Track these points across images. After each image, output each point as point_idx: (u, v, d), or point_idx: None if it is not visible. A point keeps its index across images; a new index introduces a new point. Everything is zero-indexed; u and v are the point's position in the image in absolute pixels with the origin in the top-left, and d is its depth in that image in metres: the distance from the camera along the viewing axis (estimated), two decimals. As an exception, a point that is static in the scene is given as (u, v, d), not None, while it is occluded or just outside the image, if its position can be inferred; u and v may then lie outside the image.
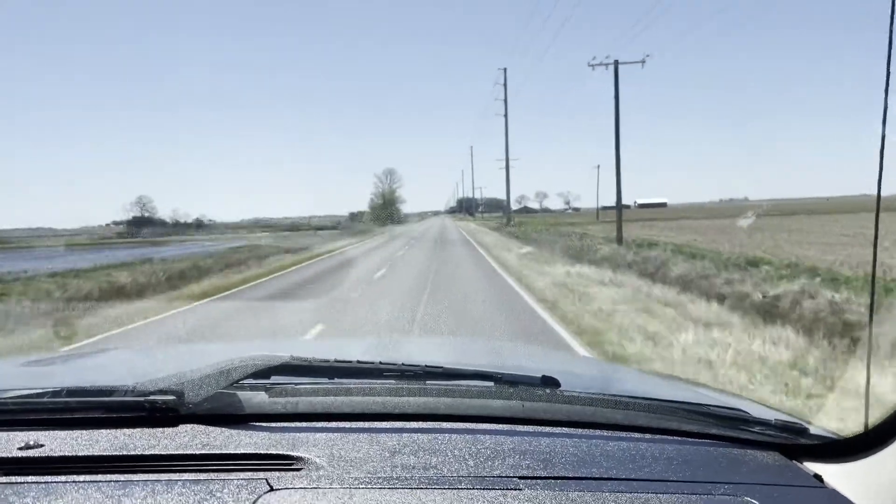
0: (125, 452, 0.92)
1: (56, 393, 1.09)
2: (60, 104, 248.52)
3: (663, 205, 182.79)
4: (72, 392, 1.09)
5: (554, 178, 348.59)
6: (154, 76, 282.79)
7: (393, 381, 1.17)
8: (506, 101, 54.47)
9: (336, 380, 1.17)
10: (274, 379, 1.14)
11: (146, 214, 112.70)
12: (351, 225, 79.80)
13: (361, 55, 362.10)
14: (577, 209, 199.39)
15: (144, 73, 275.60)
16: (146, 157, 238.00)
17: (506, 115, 54.81)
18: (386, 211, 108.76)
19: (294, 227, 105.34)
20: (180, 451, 0.93)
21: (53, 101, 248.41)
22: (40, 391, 1.11)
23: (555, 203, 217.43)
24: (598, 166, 77.28)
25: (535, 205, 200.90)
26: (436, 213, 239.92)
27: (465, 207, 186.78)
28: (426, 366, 1.23)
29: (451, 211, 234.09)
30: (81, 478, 0.86)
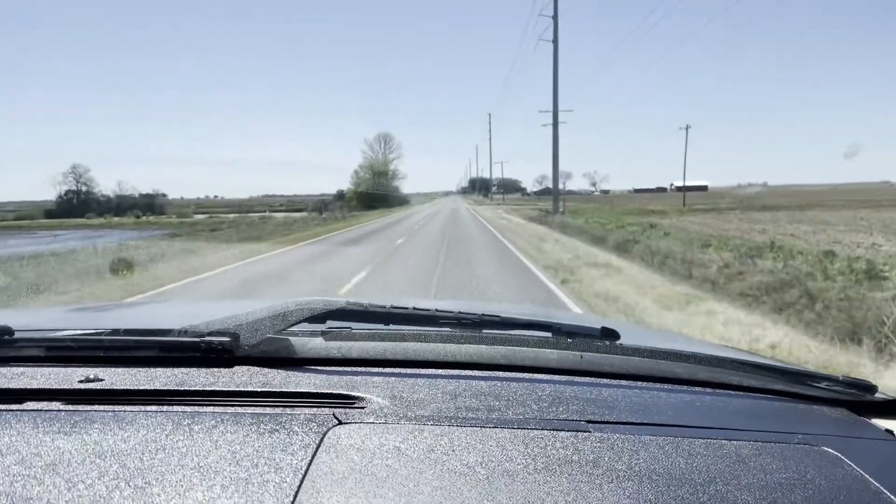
0: (185, 388, 0.93)
1: (114, 332, 1.13)
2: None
3: (704, 188, 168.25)
4: (129, 331, 1.14)
5: (577, 157, 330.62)
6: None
7: (448, 329, 1.18)
8: (555, 17, 34.52)
9: (392, 326, 1.18)
10: (329, 324, 1.15)
11: (83, 188, 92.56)
12: (328, 208, 61.61)
13: (362, 23, 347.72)
14: (605, 191, 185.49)
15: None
16: (90, 118, 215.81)
17: (555, 40, 35.13)
18: (378, 189, 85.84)
19: (245, 208, 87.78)
20: (241, 388, 0.93)
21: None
22: (97, 330, 1.15)
23: (579, 184, 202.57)
24: (688, 127, 53.96)
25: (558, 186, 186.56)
26: (447, 194, 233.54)
27: (479, 187, 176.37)
28: (483, 314, 1.23)
29: (463, 191, 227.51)
30: (148, 408, 0.88)
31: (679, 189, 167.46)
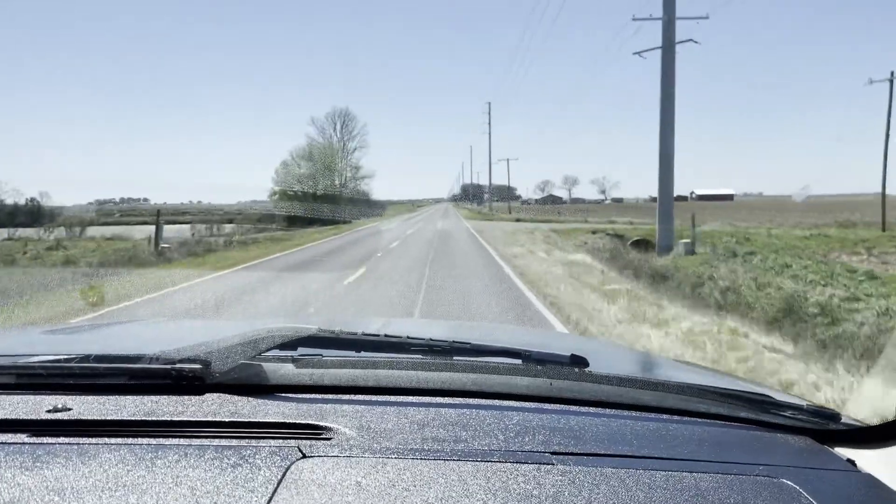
0: (153, 418, 0.94)
1: (84, 358, 1.12)
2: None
3: (729, 197, 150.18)
4: (99, 358, 1.13)
5: (585, 162, 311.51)
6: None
7: (420, 356, 1.20)
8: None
9: (363, 353, 1.19)
10: (300, 351, 1.16)
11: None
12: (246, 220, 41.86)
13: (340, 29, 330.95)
14: (618, 200, 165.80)
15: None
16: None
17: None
18: (328, 191, 55.97)
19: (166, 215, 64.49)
20: (208, 419, 0.94)
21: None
22: (67, 356, 1.14)
23: (587, 191, 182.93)
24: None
25: (562, 192, 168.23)
26: (437, 201, 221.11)
27: (473, 194, 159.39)
28: (454, 341, 1.26)
29: (455, 198, 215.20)
30: (113, 440, 0.88)
31: (701, 198, 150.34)
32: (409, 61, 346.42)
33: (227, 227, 36.01)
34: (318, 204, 48.20)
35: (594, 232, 25.89)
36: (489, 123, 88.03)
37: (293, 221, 42.04)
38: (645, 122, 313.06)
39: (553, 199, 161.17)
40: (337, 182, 61.94)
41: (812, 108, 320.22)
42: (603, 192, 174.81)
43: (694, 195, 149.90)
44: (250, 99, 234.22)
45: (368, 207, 65.59)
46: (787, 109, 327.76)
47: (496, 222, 46.17)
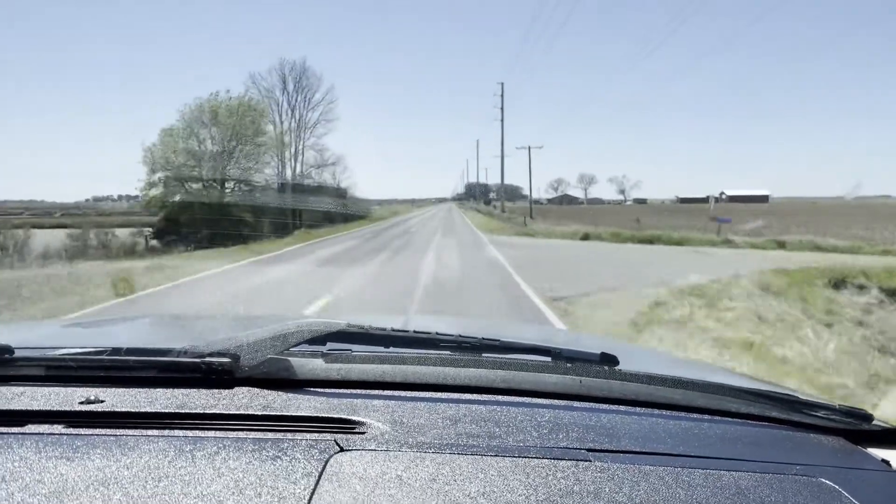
0: (185, 410, 0.97)
1: (114, 351, 1.16)
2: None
3: (763, 198, 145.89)
4: (130, 351, 1.17)
5: (602, 158, 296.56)
6: None
7: (448, 352, 1.23)
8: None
9: (392, 348, 1.23)
10: (329, 346, 1.20)
11: None
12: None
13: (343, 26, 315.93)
14: (641, 201, 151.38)
15: None
16: None
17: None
18: (267, 183, 38.28)
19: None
20: (241, 412, 0.97)
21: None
22: (97, 349, 1.18)
23: (605, 191, 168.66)
24: None
25: (577, 192, 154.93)
26: (440, 201, 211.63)
27: (478, 193, 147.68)
28: (483, 338, 1.28)
29: (458, 198, 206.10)
30: (150, 432, 0.91)
31: (732, 199, 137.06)
32: (411, 56, 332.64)
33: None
34: (249, 203, 33.12)
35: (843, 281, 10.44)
36: (502, 108, 72.05)
37: (185, 235, 28.40)
38: (669, 118, 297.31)
39: (568, 200, 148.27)
40: (288, 172, 44.11)
41: (847, 109, 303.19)
42: (622, 191, 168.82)
43: (724, 196, 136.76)
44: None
45: (344, 208, 47.79)
46: (821, 109, 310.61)
47: (545, 239, 27.16)
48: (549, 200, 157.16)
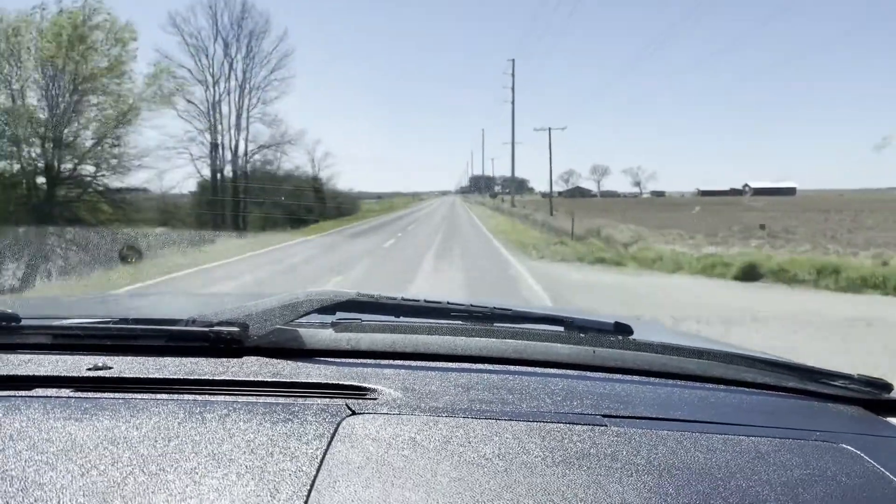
0: (195, 377, 0.99)
1: (122, 320, 1.20)
2: None
3: (790, 191, 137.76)
4: (137, 320, 1.20)
5: (615, 147, 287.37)
6: None
7: (460, 322, 1.26)
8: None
9: (402, 318, 1.26)
10: (339, 315, 1.22)
11: None
12: None
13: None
14: (659, 193, 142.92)
15: None
16: None
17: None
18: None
19: None
20: (251, 378, 0.99)
21: None
22: (105, 319, 1.22)
23: (619, 183, 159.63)
24: None
25: (589, 184, 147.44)
26: (444, 193, 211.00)
27: (484, 186, 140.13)
28: (494, 307, 1.29)
29: (463, 191, 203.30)
30: (160, 396, 0.93)
31: (757, 192, 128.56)
32: (415, 42, 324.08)
33: None
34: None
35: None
36: (513, 88, 62.66)
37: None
38: (686, 107, 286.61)
39: (580, 192, 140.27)
40: (228, 155, 32.71)
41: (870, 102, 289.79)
42: (637, 184, 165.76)
43: (748, 189, 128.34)
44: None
45: (321, 203, 38.11)
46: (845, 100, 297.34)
47: (654, 276, 13.42)
48: (560, 193, 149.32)
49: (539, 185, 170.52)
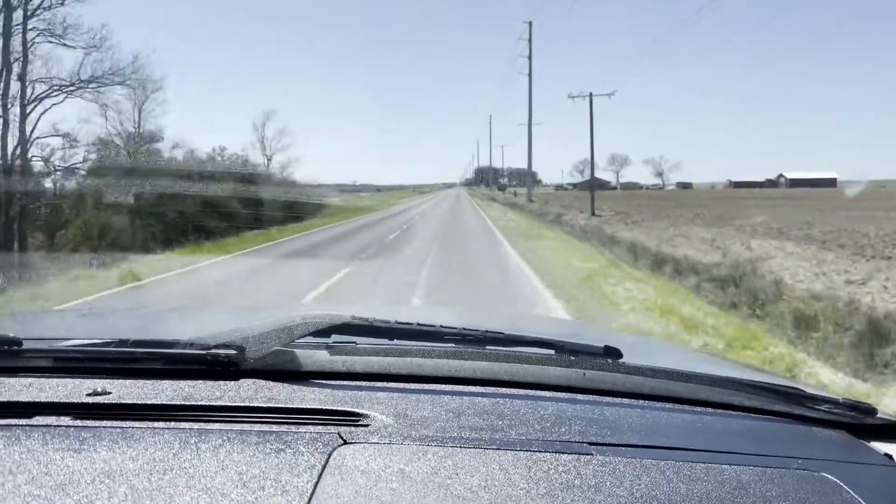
0: (192, 402, 1.04)
1: (121, 343, 1.24)
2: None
3: (831, 182, 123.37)
4: (136, 343, 1.24)
5: (635, 136, 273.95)
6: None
7: (452, 345, 1.31)
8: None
9: (396, 341, 1.30)
10: (334, 338, 1.26)
11: None
12: None
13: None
14: (686, 185, 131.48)
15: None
16: None
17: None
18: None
19: None
20: (246, 404, 1.04)
21: None
22: (104, 341, 1.26)
23: (639, 174, 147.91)
24: None
25: (607, 175, 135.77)
26: (448, 186, 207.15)
27: (491, 178, 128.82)
28: (486, 331, 1.35)
29: (468, 183, 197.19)
30: (156, 424, 0.97)
31: (794, 183, 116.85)
32: (418, 42, 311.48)
33: None
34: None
35: None
36: (529, 56, 51.81)
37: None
38: (715, 92, 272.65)
39: (598, 184, 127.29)
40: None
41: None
42: (660, 174, 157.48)
43: (784, 179, 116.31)
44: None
45: (252, 204, 24.55)
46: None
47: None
48: (575, 185, 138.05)
49: (548, 176, 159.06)
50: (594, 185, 35.00)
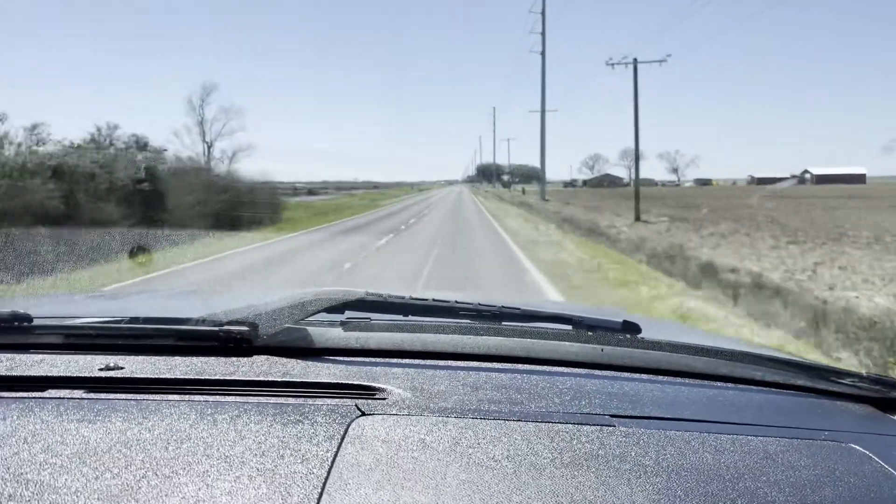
0: (205, 377, 1.05)
1: (133, 319, 1.27)
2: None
3: (860, 178, 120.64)
4: (147, 320, 1.29)
5: (650, 131, 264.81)
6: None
7: (468, 321, 1.32)
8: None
9: (410, 317, 1.32)
10: (348, 314, 1.28)
11: None
12: None
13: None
14: (705, 181, 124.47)
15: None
16: None
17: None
18: None
19: None
20: (261, 378, 1.05)
21: None
22: (116, 318, 1.29)
23: (653, 170, 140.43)
24: None
25: (619, 171, 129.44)
26: (449, 183, 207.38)
27: (494, 175, 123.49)
28: (502, 306, 1.36)
29: (470, 180, 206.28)
30: (171, 397, 0.99)
31: (821, 179, 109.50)
32: (426, 44, 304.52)
33: None
34: None
35: None
36: (543, 32, 44.28)
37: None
38: (734, 85, 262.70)
39: (610, 180, 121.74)
40: None
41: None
42: (675, 170, 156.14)
43: (809, 175, 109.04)
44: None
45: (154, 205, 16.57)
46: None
47: None
48: (586, 182, 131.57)
49: (553, 172, 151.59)
50: (638, 182, 27.45)
